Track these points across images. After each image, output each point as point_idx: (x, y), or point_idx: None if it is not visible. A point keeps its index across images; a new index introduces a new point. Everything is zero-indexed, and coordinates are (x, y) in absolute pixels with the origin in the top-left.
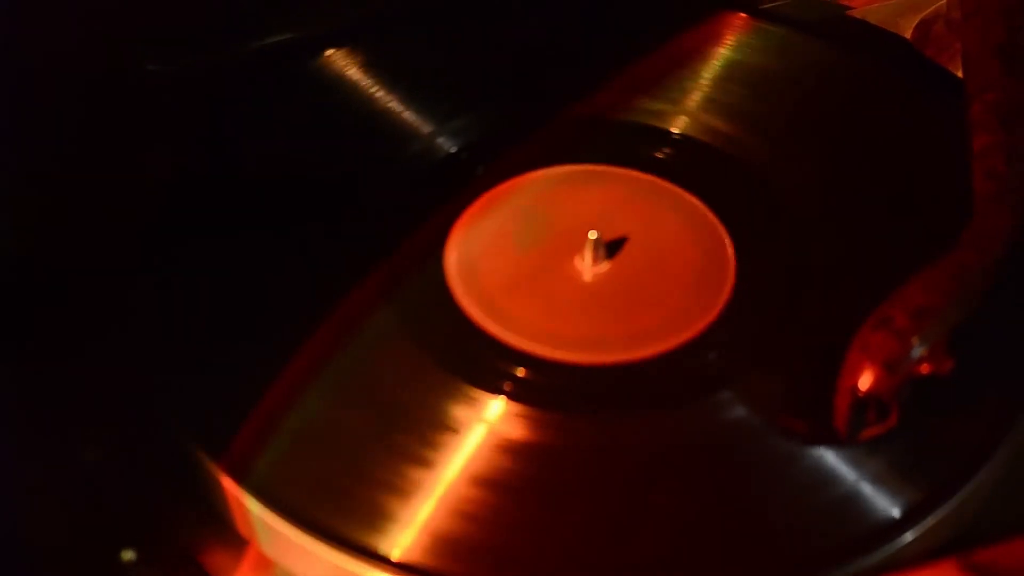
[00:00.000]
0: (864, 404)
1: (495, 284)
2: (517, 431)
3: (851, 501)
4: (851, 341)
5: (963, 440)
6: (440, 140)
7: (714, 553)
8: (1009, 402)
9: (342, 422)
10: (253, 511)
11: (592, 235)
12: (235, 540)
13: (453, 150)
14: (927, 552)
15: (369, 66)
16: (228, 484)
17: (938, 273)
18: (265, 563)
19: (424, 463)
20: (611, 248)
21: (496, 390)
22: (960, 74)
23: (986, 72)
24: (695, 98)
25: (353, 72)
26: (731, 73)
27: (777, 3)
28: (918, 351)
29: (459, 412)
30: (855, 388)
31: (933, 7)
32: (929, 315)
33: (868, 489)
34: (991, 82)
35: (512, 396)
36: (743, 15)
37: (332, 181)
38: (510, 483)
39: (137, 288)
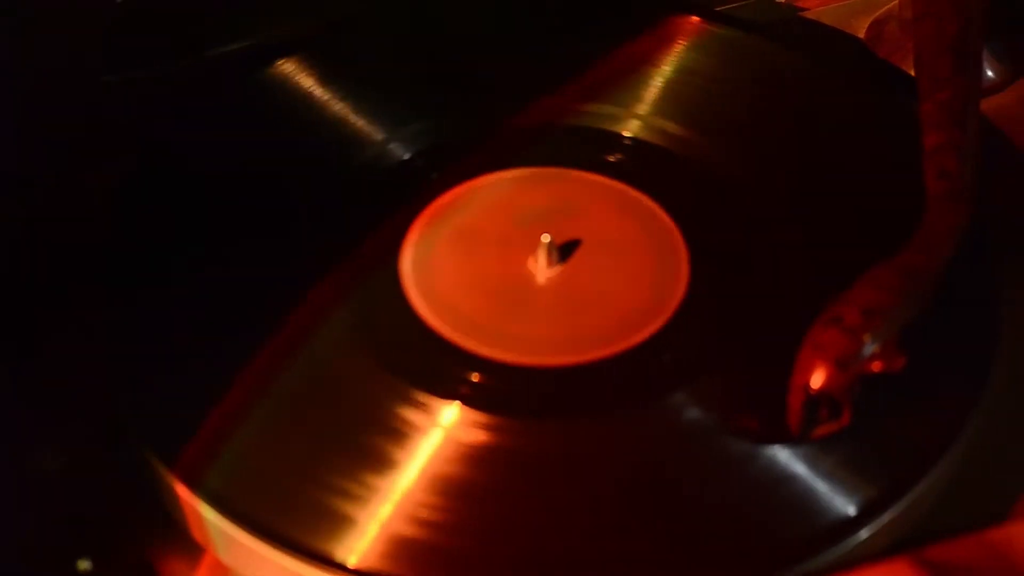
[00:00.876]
0: (816, 402)
1: (450, 289)
2: (473, 436)
3: (806, 499)
4: (803, 340)
5: (917, 437)
6: (393, 146)
7: (670, 553)
8: (963, 399)
9: (298, 428)
10: (208, 518)
11: (545, 238)
12: (191, 547)
13: (406, 156)
14: (882, 549)
15: (322, 73)
16: (183, 492)
17: (889, 271)
18: (222, 570)
19: (380, 469)
20: (564, 251)
21: (452, 395)
22: (913, 73)
23: (938, 71)
24: (648, 101)
25: (306, 80)
26: (684, 76)
27: (731, 5)
28: (869, 349)
29: (415, 417)
30: (807, 386)
31: (885, 8)
32: (880, 313)
33: (823, 487)
34: (943, 81)
35: (468, 401)
36: (695, 18)
37: (286, 188)
38: (466, 488)
39: (90, 297)
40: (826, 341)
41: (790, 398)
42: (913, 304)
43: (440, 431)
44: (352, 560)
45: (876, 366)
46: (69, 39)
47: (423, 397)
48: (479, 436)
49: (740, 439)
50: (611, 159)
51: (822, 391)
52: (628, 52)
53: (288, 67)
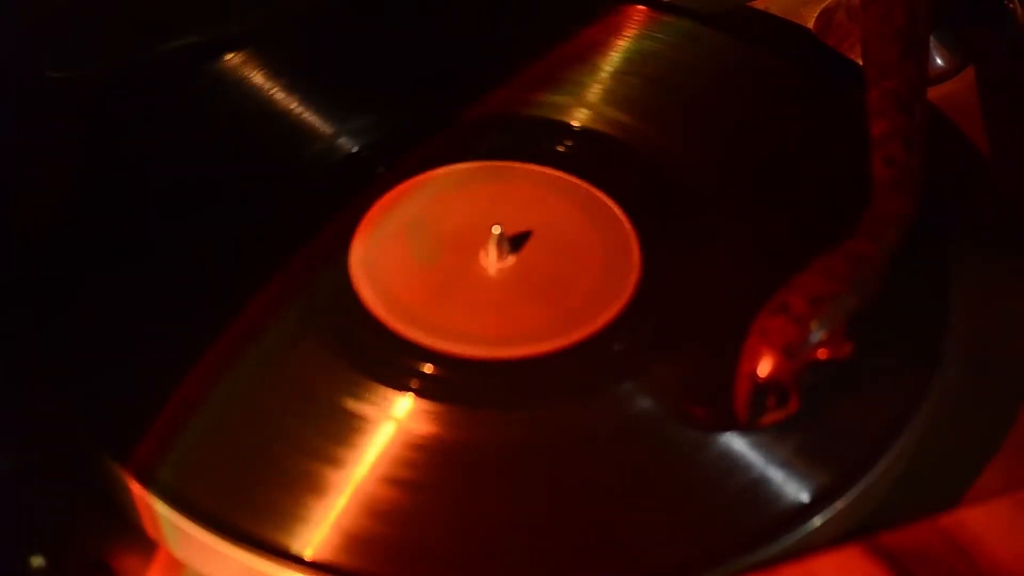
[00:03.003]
0: (763, 390)
1: (400, 282)
2: (426, 428)
3: (759, 487)
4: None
5: (870, 424)
6: (341, 140)
7: (625, 543)
8: (915, 385)
9: (250, 423)
10: (161, 514)
11: (496, 230)
12: (144, 543)
13: (355, 149)
14: (835, 537)
15: (269, 67)
16: (135, 487)
17: (836, 259)
18: (176, 565)
19: (334, 462)
20: (515, 242)
21: (404, 387)
22: (861, 62)
23: (884, 59)
24: (596, 91)
25: (253, 74)
26: (632, 66)
27: None
28: (816, 336)
29: (367, 410)
30: (754, 374)
31: None
32: (827, 301)
33: (776, 475)
34: (889, 68)
35: (420, 393)
36: (643, 7)
37: (234, 183)
38: (420, 480)
39: (37, 293)
40: (773, 329)
41: (737, 386)
42: (860, 291)
43: (393, 423)
44: (308, 553)
45: (823, 353)
46: (12, 34)
47: (376, 390)
48: (432, 428)
49: (693, 428)
50: (560, 149)
51: (769, 379)
52: (577, 42)
53: (236, 61)
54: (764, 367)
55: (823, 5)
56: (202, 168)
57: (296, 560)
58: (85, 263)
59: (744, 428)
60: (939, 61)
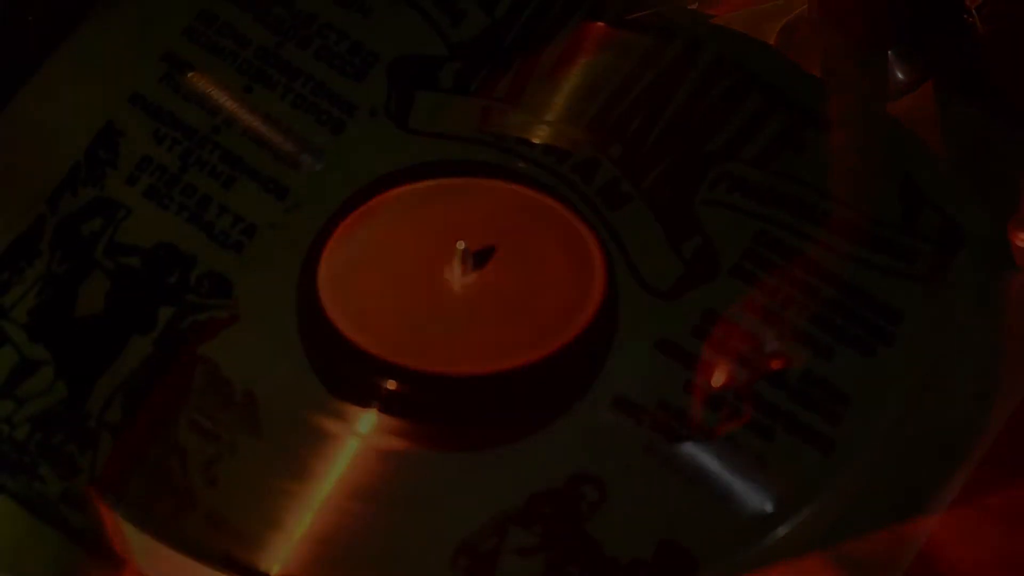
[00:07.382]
0: (718, 400)
1: (366, 299)
2: (390, 443)
3: (723, 497)
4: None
5: (833, 434)
6: (303, 157)
7: (589, 553)
8: (877, 394)
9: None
10: (128, 533)
11: (460, 245)
12: (112, 560)
13: (318, 168)
14: (799, 547)
15: None
16: (102, 506)
17: (792, 269)
18: None
19: (299, 478)
20: (480, 258)
21: (369, 404)
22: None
23: (844, 72)
24: (558, 108)
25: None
26: (594, 82)
27: (641, 13)
28: (770, 347)
29: (332, 426)
30: (708, 384)
31: (796, 11)
32: (781, 311)
33: (740, 484)
34: (847, 82)
35: (384, 409)
36: (602, 24)
37: None
38: (386, 495)
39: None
40: (727, 339)
41: (692, 396)
42: (816, 300)
43: (357, 440)
44: (275, 569)
45: (776, 364)
46: None
47: (340, 406)
48: (396, 444)
49: (653, 439)
50: (522, 166)
51: (723, 389)
52: (537, 60)
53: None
54: (718, 377)
55: (785, 20)
56: None
57: None
58: (52, 270)
59: (698, 438)
60: (899, 75)
